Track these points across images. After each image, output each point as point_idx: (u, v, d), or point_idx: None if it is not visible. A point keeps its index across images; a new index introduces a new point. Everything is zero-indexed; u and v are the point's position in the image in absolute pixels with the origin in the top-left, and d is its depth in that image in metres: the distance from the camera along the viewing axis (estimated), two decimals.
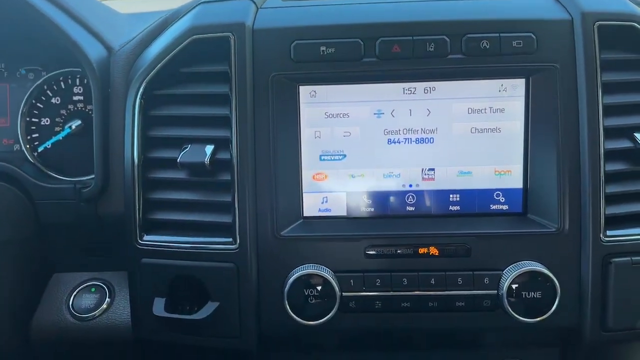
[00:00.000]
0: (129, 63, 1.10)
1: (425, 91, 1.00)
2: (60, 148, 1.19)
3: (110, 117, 1.09)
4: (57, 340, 1.17)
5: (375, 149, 1.02)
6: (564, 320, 0.97)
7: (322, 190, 1.04)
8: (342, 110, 1.01)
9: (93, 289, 1.19)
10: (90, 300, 1.17)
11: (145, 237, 1.03)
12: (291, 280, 0.97)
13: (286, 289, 0.97)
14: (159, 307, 1.00)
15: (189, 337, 1.03)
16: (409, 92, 1.00)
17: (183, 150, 1.00)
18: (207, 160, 0.98)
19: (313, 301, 0.97)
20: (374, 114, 1.01)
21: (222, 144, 1.01)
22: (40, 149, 1.19)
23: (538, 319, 0.95)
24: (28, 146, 1.19)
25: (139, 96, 1.02)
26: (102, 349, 1.17)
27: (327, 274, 0.97)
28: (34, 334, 1.17)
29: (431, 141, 1.01)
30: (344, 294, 0.98)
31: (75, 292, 1.19)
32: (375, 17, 0.99)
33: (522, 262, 0.96)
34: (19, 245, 1.16)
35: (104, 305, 1.17)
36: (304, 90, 1.01)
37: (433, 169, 1.02)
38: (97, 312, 1.16)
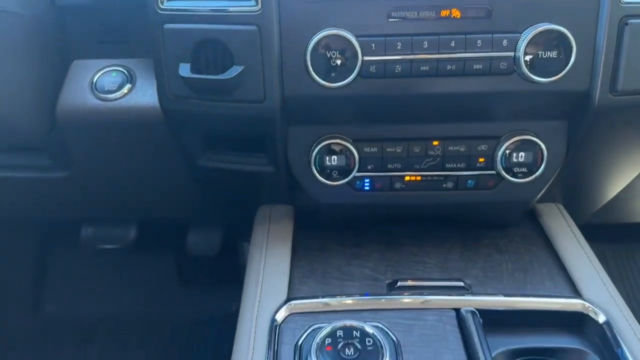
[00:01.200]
0: None
1: None
2: None
3: None
4: (82, 123, 1.20)
5: None
6: (576, 83, 1.01)
7: None
8: None
9: (114, 74, 1.20)
10: (112, 83, 1.19)
11: (166, 3, 1.03)
12: (314, 41, 0.99)
13: (309, 51, 0.99)
14: (184, 69, 1.02)
15: (214, 104, 1.06)
16: None
17: None
18: None
19: (335, 64, 1.00)
20: None
21: None
22: None
23: (552, 78, 0.99)
24: None
25: None
26: (128, 130, 1.21)
27: (350, 36, 0.98)
28: (60, 117, 1.20)
29: None
30: (365, 58, 1.00)
31: (97, 76, 1.20)
32: None
33: (541, 24, 0.98)
34: (35, 27, 1.16)
35: (125, 90, 1.19)
36: None
37: None
38: (118, 94, 1.18)
